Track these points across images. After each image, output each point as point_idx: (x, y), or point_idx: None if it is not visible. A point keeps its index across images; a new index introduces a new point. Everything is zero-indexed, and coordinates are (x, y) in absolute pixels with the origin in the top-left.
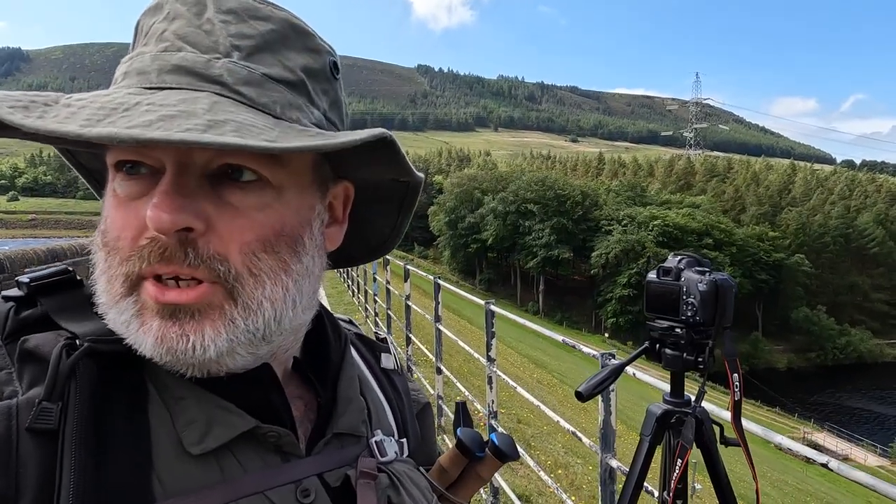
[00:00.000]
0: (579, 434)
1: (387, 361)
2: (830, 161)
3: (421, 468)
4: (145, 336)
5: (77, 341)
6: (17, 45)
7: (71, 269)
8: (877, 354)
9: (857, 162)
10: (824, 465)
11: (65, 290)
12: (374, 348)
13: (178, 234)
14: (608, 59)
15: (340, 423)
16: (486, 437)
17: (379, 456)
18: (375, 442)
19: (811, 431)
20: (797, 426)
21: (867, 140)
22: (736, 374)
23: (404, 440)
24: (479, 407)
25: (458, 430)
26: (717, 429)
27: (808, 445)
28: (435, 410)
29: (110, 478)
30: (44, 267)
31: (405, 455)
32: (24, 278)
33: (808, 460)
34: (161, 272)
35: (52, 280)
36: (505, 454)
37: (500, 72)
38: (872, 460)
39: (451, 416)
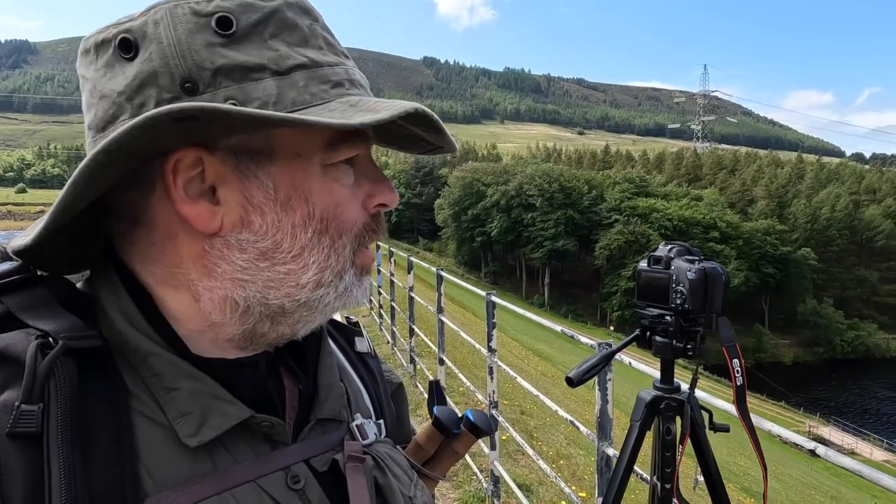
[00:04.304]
0: (577, 423)
1: (360, 345)
2: (840, 154)
3: (398, 447)
4: (359, 291)
5: (50, 339)
6: (24, 38)
7: (31, 265)
8: (884, 349)
9: (868, 155)
10: (811, 452)
11: (26, 287)
12: (347, 333)
13: None
14: (615, 51)
15: (323, 410)
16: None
17: (361, 439)
18: (356, 426)
19: (817, 425)
20: (802, 420)
21: (880, 133)
22: (736, 360)
23: (381, 421)
24: (480, 397)
25: (435, 409)
26: (706, 415)
27: (813, 439)
28: None
29: (99, 477)
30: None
31: (383, 436)
32: None
33: (796, 446)
34: (378, 240)
35: (13, 278)
36: (480, 429)
37: (505, 64)
38: (879, 455)
39: (452, 403)
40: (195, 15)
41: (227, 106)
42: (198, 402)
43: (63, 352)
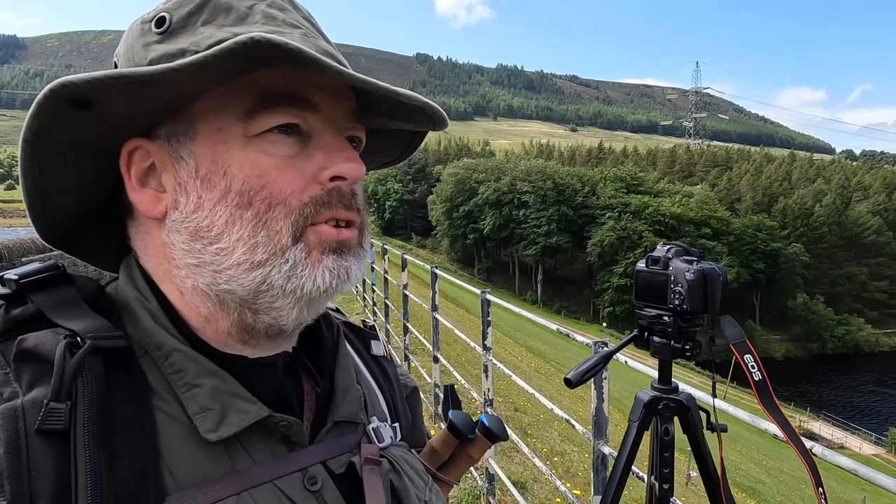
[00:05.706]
0: (573, 421)
1: (376, 349)
2: (830, 151)
3: (413, 450)
4: (319, 272)
5: (78, 339)
6: (12, 33)
7: (62, 264)
8: (874, 344)
9: (858, 152)
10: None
11: (55, 286)
12: (363, 336)
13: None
14: (608, 48)
15: (340, 412)
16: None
17: (377, 442)
18: (373, 428)
19: (807, 420)
20: (793, 415)
21: (870, 130)
22: (748, 356)
23: (397, 425)
24: (475, 395)
25: (450, 413)
26: (703, 415)
27: (803, 434)
28: (431, 398)
29: (123, 475)
30: (33, 259)
31: (398, 439)
32: (10, 275)
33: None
34: (341, 217)
35: (42, 276)
36: (495, 435)
37: (499, 61)
38: (868, 449)
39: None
40: (142, 23)
41: (70, 77)
42: (218, 400)
43: (90, 351)
